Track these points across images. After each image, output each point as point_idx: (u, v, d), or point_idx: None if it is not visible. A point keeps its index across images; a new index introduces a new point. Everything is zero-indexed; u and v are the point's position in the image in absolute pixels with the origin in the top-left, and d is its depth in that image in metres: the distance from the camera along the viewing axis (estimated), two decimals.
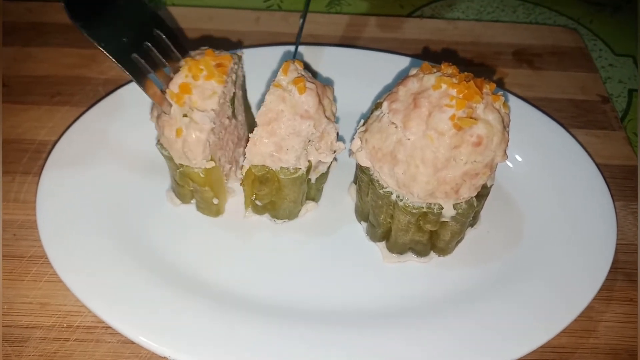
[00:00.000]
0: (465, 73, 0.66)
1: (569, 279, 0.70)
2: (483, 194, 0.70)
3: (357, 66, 0.95)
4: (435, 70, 0.67)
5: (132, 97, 0.84)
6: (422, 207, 0.68)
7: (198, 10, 1.13)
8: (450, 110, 0.62)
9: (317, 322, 0.67)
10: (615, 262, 0.72)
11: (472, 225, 0.78)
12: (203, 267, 0.73)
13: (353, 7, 1.19)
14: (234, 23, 1.10)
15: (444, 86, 0.64)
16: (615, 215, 0.76)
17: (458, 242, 0.76)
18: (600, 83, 1.02)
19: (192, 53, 0.73)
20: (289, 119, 0.69)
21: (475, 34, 1.11)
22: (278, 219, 0.78)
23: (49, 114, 0.92)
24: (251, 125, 0.87)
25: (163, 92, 0.70)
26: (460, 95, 0.63)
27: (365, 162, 0.70)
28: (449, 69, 0.67)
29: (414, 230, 0.71)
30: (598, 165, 0.82)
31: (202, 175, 0.73)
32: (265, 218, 0.79)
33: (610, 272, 0.70)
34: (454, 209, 0.67)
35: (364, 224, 0.78)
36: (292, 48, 0.96)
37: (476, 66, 1.04)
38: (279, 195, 0.74)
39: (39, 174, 0.78)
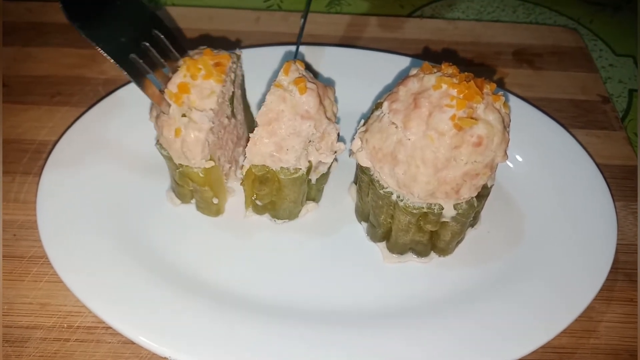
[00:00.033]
0: (466, 73, 0.66)
1: (570, 279, 0.70)
2: (483, 194, 0.70)
3: (357, 66, 0.95)
4: (435, 71, 0.67)
5: (132, 98, 0.84)
6: (423, 208, 0.68)
7: (198, 10, 1.13)
8: (450, 110, 0.62)
9: (317, 322, 0.67)
10: (615, 262, 0.72)
11: (472, 225, 0.78)
12: (203, 267, 0.73)
13: (353, 7, 1.19)
14: (234, 23, 1.10)
15: (444, 86, 0.64)
16: (616, 216, 0.76)
17: (458, 242, 0.76)
18: (601, 83, 1.02)
19: (191, 53, 0.73)
20: (289, 119, 0.69)
21: (475, 34, 1.11)
22: (278, 219, 0.78)
23: (49, 114, 0.91)
24: (250, 124, 0.87)
25: (162, 92, 0.69)
26: (461, 96, 0.63)
27: (365, 162, 0.70)
28: (449, 69, 0.67)
29: (415, 231, 0.71)
30: (598, 165, 0.82)
31: (201, 175, 0.73)
32: (266, 218, 0.79)
33: (610, 272, 0.70)
34: (455, 209, 0.67)
35: (364, 224, 0.78)
36: (292, 48, 0.96)
37: (476, 66, 1.04)
38: (279, 195, 0.74)
39: (39, 174, 0.78)
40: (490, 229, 0.78)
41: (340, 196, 0.82)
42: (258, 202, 0.77)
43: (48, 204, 0.74)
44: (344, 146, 0.75)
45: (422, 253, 0.75)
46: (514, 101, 0.90)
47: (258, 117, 0.69)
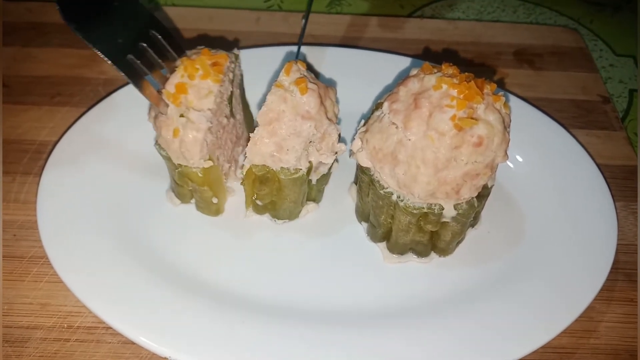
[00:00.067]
0: (466, 73, 0.66)
1: (570, 279, 0.70)
2: (484, 194, 0.70)
3: (357, 66, 0.95)
4: (435, 71, 0.67)
5: (132, 98, 0.84)
6: (423, 208, 0.68)
7: (198, 10, 1.13)
8: (451, 110, 0.62)
9: (317, 322, 0.67)
10: (615, 262, 0.72)
11: (472, 225, 0.78)
12: (203, 267, 0.73)
13: (353, 8, 1.19)
14: (234, 23, 1.10)
15: (444, 86, 0.64)
16: (616, 216, 0.76)
17: (459, 242, 0.76)
18: (601, 83, 1.02)
19: (189, 53, 0.73)
20: (290, 119, 0.69)
21: (475, 34, 1.11)
22: (278, 219, 0.78)
23: (49, 114, 0.91)
24: (250, 124, 0.87)
25: (159, 92, 0.70)
26: (461, 96, 0.63)
27: (365, 163, 0.70)
28: (449, 69, 0.67)
29: (415, 231, 0.71)
30: (599, 166, 0.82)
31: (200, 174, 0.73)
32: (266, 218, 0.79)
33: (610, 272, 0.70)
34: (455, 209, 0.67)
35: (365, 225, 0.78)
36: (292, 48, 0.96)
37: (477, 66, 1.04)
38: (280, 195, 0.74)
39: (40, 174, 0.78)
40: (490, 229, 0.78)
41: (340, 196, 0.82)
42: (258, 202, 0.77)
43: (48, 204, 0.74)
44: (344, 147, 0.75)
45: (422, 253, 0.75)
46: (514, 101, 0.90)
47: (259, 117, 0.69)
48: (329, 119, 0.71)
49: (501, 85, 1.00)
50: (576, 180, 0.80)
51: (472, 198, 0.68)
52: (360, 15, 1.15)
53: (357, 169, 0.79)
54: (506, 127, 0.65)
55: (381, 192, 0.69)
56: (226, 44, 1.04)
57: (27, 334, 0.67)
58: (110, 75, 0.98)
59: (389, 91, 0.71)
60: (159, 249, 0.74)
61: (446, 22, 1.15)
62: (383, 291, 0.72)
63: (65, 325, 0.68)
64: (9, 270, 0.73)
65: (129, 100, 0.86)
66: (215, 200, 0.77)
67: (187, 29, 1.08)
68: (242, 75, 0.81)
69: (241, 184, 0.74)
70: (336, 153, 0.74)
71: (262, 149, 0.70)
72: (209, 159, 0.72)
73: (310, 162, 0.73)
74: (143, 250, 0.73)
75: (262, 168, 0.71)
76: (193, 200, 0.79)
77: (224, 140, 0.77)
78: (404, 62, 0.95)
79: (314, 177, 0.76)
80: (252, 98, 0.89)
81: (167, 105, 0.69)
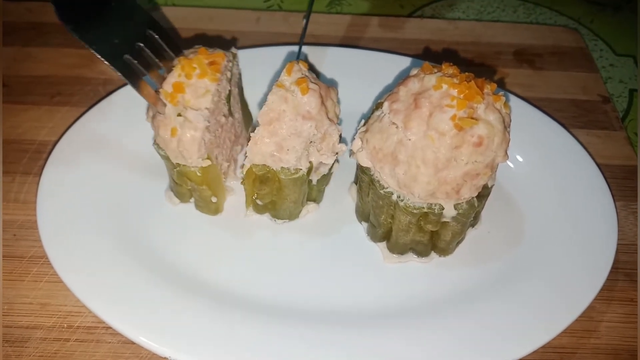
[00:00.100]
0: (466, 73, 0.66)
1: (570, 279, 0.70)
2: (484, 194, 0.70)
3: (357, 66, 0.95)
4: (436, 71, 0.67)
5: (132, 98, 0.83)
6: (423, 208, 0.68)
7: (198, 10, 1.13)
8: (451, 110, 0.62)
9: (317, 322, 0.67)
10: (616, 262, 0.72)
11: (473, 225, 0.78)
12: (203, 267, 0.73)
13: (353, 7, 1.19)
14: (234, 23, 1.10)
15: (444, 86, 0.64)
16: (616, 215, 0.76)
17: (459, 242, 0.76)
18: (601, 83, 1.02)
19: (186, 52, 0.73)
20: (290, 119, 0.69)
21: (475, 34, 1.11)
22: (279, 219, 0.78)
23: (49, 114, 0.91)
24: (248, 122, 0.87)
25: (157, 92, 0.69)
26: (461, 96, 0.63)
27: (366, 163, 0.70)
28: (449, 69, 0.67)
29: (415, 231, 0.71)
30: (599, 165, 0.82)
31: (199, 174, 0.73)
32: (266, 218, 0.79)
33: (611, 272, 0.70)
34: (455, 209, 0.67)
35: (365, 224, 0.78)
36: (293, 48, 0.96)
37: (477, 66, 1.04)
38: (280, 195, 0.74)
39: (39, 174, 0.78)
40: (490, 229, 0.78)
41: (340, 196, 0.82)
42: (259, 202, 0.76)
43: (48, 204, 0.74)
44: (345, 147, 0.75)
45: (422, 253, 0.75)
46: (514, 101, 0.90)
47: (259, 116, 0.69)
48: (330, 119, 0.71)
49: (501, 85, 1.00)
50: (576, 180, 0.80)
51: (472, 198, 0.68)
52: (360, 15, 1.15)
53: (357, 169, 0.79)
54: (506, 127, 0.65)
55: (381, 192, 0.69)
56: (226, 43, 1.04)
57: (27, 334, 0.67)
58: (110, 75, 0.98)
59: (389, 91, 0.71)
60: (158, 248, 0.74)
61: (446, 22, 1.14)
62: (383, 291, 0.72)
63: (65, 325, 0.68)
64: (9, 270, 0.73)
65: (128, 100, 0.86)
66: (214, 200, 0.77)
67: (187, 29, 1.08)
68: (240, 74, 0.81)
69: (241, 183, 0.74)
70: (337, 153, 0.74)
71: (262, 149, 0.70)
72: (208, 158, 0.72)
73: (310, 162, 0.73)
74: (143, 250, 0.73)
75: (263, 168, 0.71)
76: (192, 200, 0.79)
77: (223, 139, 0.77)
78: (404, 62, 0.95)
79: (314, 178, 0.76)
80: (253, 98, 0.89)
81: (165, 105, 0.69)
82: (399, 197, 0.68)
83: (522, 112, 0.87)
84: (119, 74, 0.66)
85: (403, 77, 0.70)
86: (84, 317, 0.69)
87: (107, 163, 0.81)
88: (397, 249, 0.74)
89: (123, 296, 0.67)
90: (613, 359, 0.68)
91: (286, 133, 0.69)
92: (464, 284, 0.72)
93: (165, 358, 0.63)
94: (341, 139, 0.74)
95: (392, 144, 0.66)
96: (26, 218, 0.77)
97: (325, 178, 0.78)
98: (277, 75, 0.91)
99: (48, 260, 0.69)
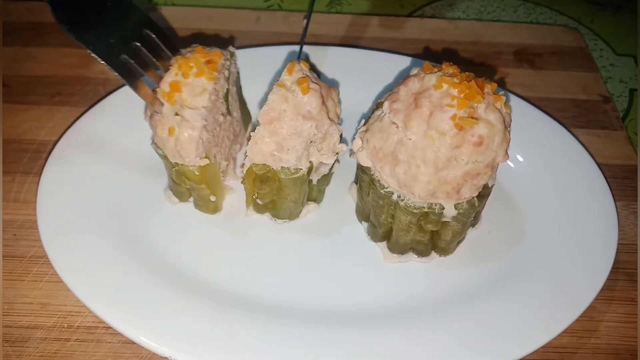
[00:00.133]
0: (467, 73, 0.66)
1: (570, 279, 0.70)
2: (484, 194, 0.70)
3: (358, 66, 0.95)
4: (436, 70, 0.67)
5: (132, 97, 0.84)
6: (424, 207, 0.67)
7: (198, 10, 1.13)
8: (451, 110, 0.62)
9: (317, 322, 0.67)
10: (616, 262, 0.72)
11: (473, 225, 0.78)
12: (203, 266, 0.73)
13: (353, 7, 1.19)
14: (235, 23, 1.10)
15: (445, 86, 0.64)
16: (617, 215, 0.76)
17: (459, 242, 0.76)
18: (602, 83, 1.02)
19: (183, 51, 0.73)
20: (291, 119, 0.69)
21: (476, 33, 1.11)
22: (279, 218, 0.78)
23: (49, 114, 0.91)
24: (247, 121, 0.87)
25: (154, 91, 0.69)
26: (462, 95, 0.63)
27: (366, 162, 0.70)
28: (450, 68, 0.67)
29: (415, 230, 0.71)
30: (599, 165, 0.82)
31: (197, 173, 0.73)
32: (266, 218, 0.79)
33: (611, 272, 0.70)
34: (455, 208, 0.67)
35: (365, 224, 0.78)
36: (293, 48, 0.96)
37: (477, 66, 1.04)
38: (280, 194, 0.74)
39: (39, 174, 0.78)
40: (491, 228, 0.78)
41: (340, 196, 0.82)
42: (259, 201, 0.76)
43: (48, 204, 0.74)
44: (345, 147, 0.74)
45: (422, 253, 0.75)
46: (514, 101, 0.90)
47: (259, 115, 0.69)
48: (331, 120, 0.71)
49: (501, 84, 1.00)
50: (577, 179, 0.80)
51: (473, 197, 0.68)
52: (360, 14, 1.15)
53: (357, 169, 0.79)
54: (507, 126, 0.65)
55: (382, 191, 0.69)
56: (225, 43, 1.04)
57: (27, 334, 0.67)
58: (109, 75, 0.97)
59: (390, 91, 0.71)
60: (158, 248, 0.74)
61: (446, 21, 1.14)
62: (383, 291, 0.72)
63: (66, 325, 0.68)
64: (9, 270, 0.73)
65: (128, 100, 0.86)
66: (213, 198, 0.77)
67: (187, 29, 1.08)
68: (238, 73, 0.81)
69: (242, 182, 0.74)
70: (337, 154, 0.74)
71: (262, 148, 0.70)
72: (206, 157, 0.72)
73: (311, 162, 0.73)
74: (143, 250, 0.73)
75: (263, 167, 0.71)
76: (191, 199, 0.79)
77: (221, 138, 0.77)
78: (404, 61, 0.95)
79: (314, 178, 0.76)
80: (254, 97, 0.89)
81: (162, 104, 0.69)
82: (399, 196, 0.68)
83: (522, 112, 0.87)
84: (116, 73, 0.66)
85: (403, 77, 0.70)
86: (84, 317, 0.69)
87: (106, 163, 0.81)
88: (398, 249, 0.74)
89: (123, 296, 0.67)
90: (613, 358, 0.68)
91: (286, 133, 0.69)
92: (464, 283, 0.72)
93: (165, 358, 0.63)
94: (342, 139, 0.74)
95: (393, 144, 0.65)
96: (26, 218, 0.77)
97: (326, 178, 0.78)
98: (278, 74, 0.91)
99: (48, 260, 0.69)
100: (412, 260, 0.75)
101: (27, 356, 0.66)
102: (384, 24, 1.11)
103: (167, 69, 0.71)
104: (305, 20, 0.84)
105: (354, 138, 0.72)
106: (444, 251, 0.75)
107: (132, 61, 0.68)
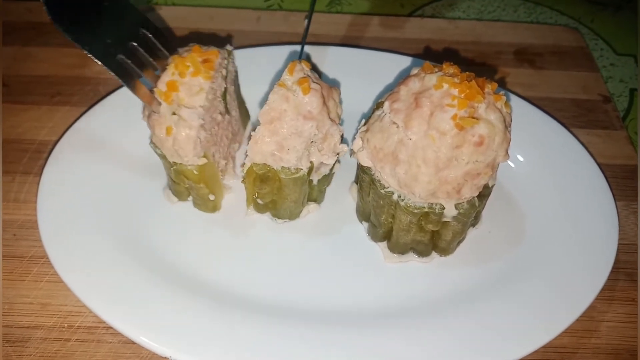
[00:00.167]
0: (467, 73, 0.66)
1: (571, 279, 0.70)
2: (485, 193, 0.70)
3: (358, 66, 0.95)
4: (436, 70, 0.67)
5: (132, 97, 0.84)
6: (424, 207, 0.67)
7: (198, 9, 1.13)
8: (452, 110, 0.62)
9: (317, 322, 0.67)
10: (616, 262, 0.72)
11: (473, 225, 0.78)
12: (203, 266, 0.73)
13: (354, 7, 1.19)
14: (235, 23, 1.10)
15: (445, 86, 0.64)
16: (617, 215, 0.76)
17: (459, 242, 0.76)
18: (602, 82, 1.02)
19: (180, 50, 0.73)
20: (291, 118, 0.69)
21: (476, 33, 1.11)
22: (279, 218, 0.78)
23: (49, 113, 0.91)
24: (245, 120, 0.87)
25: (152, 91, 0.69)
26: (462, 95, 0.63)
27: (366, 162, 0.70)
28: (450, 68, 0.67)
29: (416, 230, 0.71)
30: (599, 165, 0.82)
31: (195, 172, 0.73)
32: (267, 217, 0.79)
33: (611, 272, 0.70)
34: (456, 208, 0.67)
35: (365, 224, 0.78)
36: (293, 47, 0.96)
37: (477, 66, 1.04)
38: (280, 194, 0.74)
39: (40, 174, 0.78)
40: (491, 228, 0.78)
41: (341, 196, 0.82)
42: (259, 201, 0.76)
43: (48, 204, 0.74)
44: (346, 148, 0.74)
45: (423, 253, 0.75)
46: (515, 101, 0.90)
47: (260, 115, 0.69)
48: (332, 120, 0.71)
49: (502, 84, 1.00)
50: (577, 179, 0.80)
51: (473, 197, 0.68)
52: (360, 14, 1.15)
53: (357, 169, 0.79)
54: (507, 126, 0.65)
55: (382, 191, 0.69)
56: (225, 42, 1.04)
57: (27, 334, 0.67)
58: (109, 74, 0.97)
59: (390, 90, 0.70)
60: (158, 248, 0.74)
61: (447, 21, 1.14)
62: (383, 291, 0.72)
63: (66, 325, 0.68)
64: (9, 270, 0.73)
65: (128, 100, 0.86)
66: (212, 197, 0.77)
67: (187, 29, 1.07)
68: (236, 72, 0.80)
69: (242, 182, 0.74)
70: (338, 154, 0.74)
71: (263, 148, 0.69)
72: (204, 156, 0.72)
73: (311, 162, 0.73)
74: (143, 250, 0.73)
75: (263, 167, 0.71)
76: (190, 198, 0.79)
77: (220, 137, 0.77)
78: (405, 61, 0.95)
79: (315, 178, 0.76)
80: (254, 97, 0.89)
81: (160, 104, 0.69)
82: (400, 196, 0.68)
83: (522, 112, 0.87)
84: (113, 74, 0.66)
85: (404, 77, 0.70)
86: (84, 317, 0.69)
87: (106, 162, 0.81)
88: (398, 249, 0.74)
89: (123, 296, 0.67)
90: (614, 358, 0.68)
91: (287, 132, 0.69)
92: (464, 283, 0.72)
93: (165, 358, 0.63)
94: (342, 139, 0.74)
95: (393, 144, 0.65)
96: (26, 218, 0.77)
97: (327, 178, 0.78)
98: (278, 74, 0.91)
99: (48, 260, 0.69)
100: (412, 260, 0.75)
101: (28, 356, 0.66)
102: (385, 24, 1.11)
103: (164, 69, 0.71)
104: (306, 20, 0.84)
105: (354, 138, 0.72)
106: (445, 251, 0.75)
107: (129, 61, 0.68)
